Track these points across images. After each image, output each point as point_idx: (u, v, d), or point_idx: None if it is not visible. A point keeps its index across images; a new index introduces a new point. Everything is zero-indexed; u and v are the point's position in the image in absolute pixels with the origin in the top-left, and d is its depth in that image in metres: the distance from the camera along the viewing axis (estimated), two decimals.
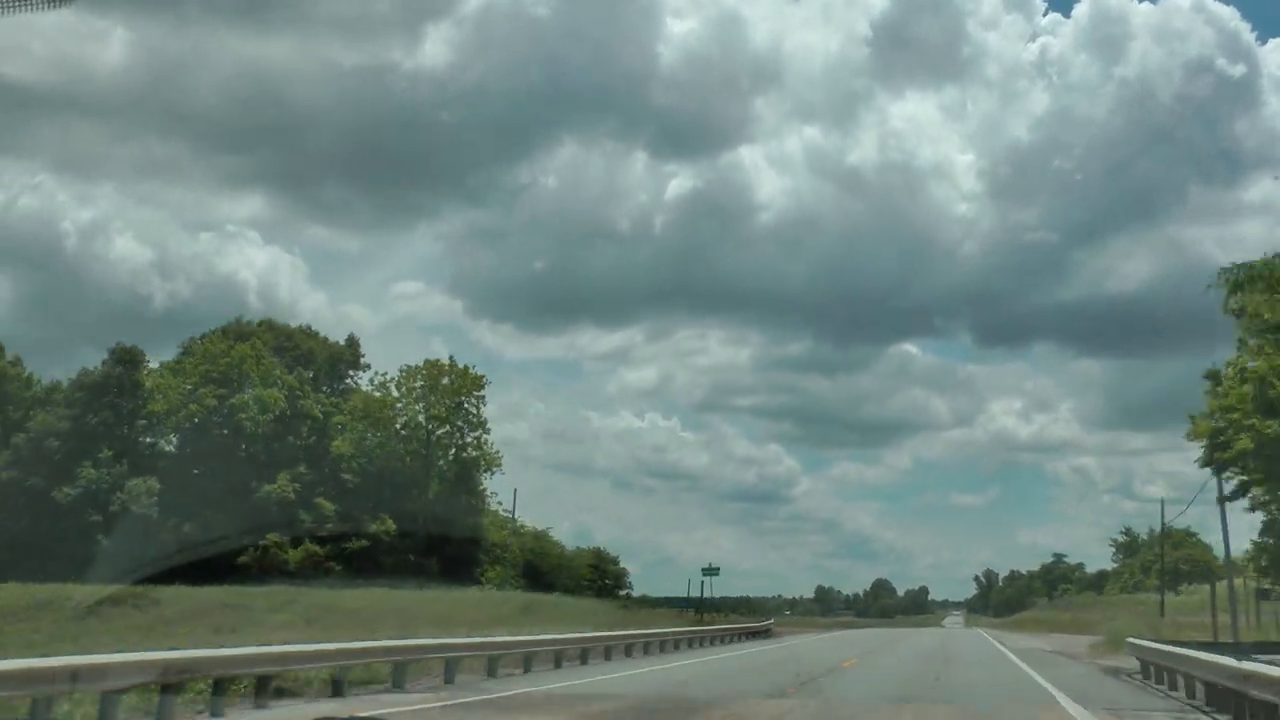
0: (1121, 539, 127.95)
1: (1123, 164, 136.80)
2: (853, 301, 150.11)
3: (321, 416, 67.03)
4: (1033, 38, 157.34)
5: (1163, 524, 54.92)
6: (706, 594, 65.72)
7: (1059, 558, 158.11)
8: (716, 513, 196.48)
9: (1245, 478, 32.36)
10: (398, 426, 68.03)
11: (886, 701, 17.26)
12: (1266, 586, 43.54)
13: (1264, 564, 39.83)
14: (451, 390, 67.51)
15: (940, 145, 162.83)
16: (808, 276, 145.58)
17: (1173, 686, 18.28)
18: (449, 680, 20.19)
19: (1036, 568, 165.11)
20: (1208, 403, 29.55)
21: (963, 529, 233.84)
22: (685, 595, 71.97)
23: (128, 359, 66.40)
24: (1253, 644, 24.58)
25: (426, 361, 68.44)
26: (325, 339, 74.22)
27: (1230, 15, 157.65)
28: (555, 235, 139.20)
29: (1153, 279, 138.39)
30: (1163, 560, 60.71)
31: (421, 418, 67.93)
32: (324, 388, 71.54)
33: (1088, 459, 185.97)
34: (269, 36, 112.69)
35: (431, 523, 64.28)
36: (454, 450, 69.26)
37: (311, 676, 17.66)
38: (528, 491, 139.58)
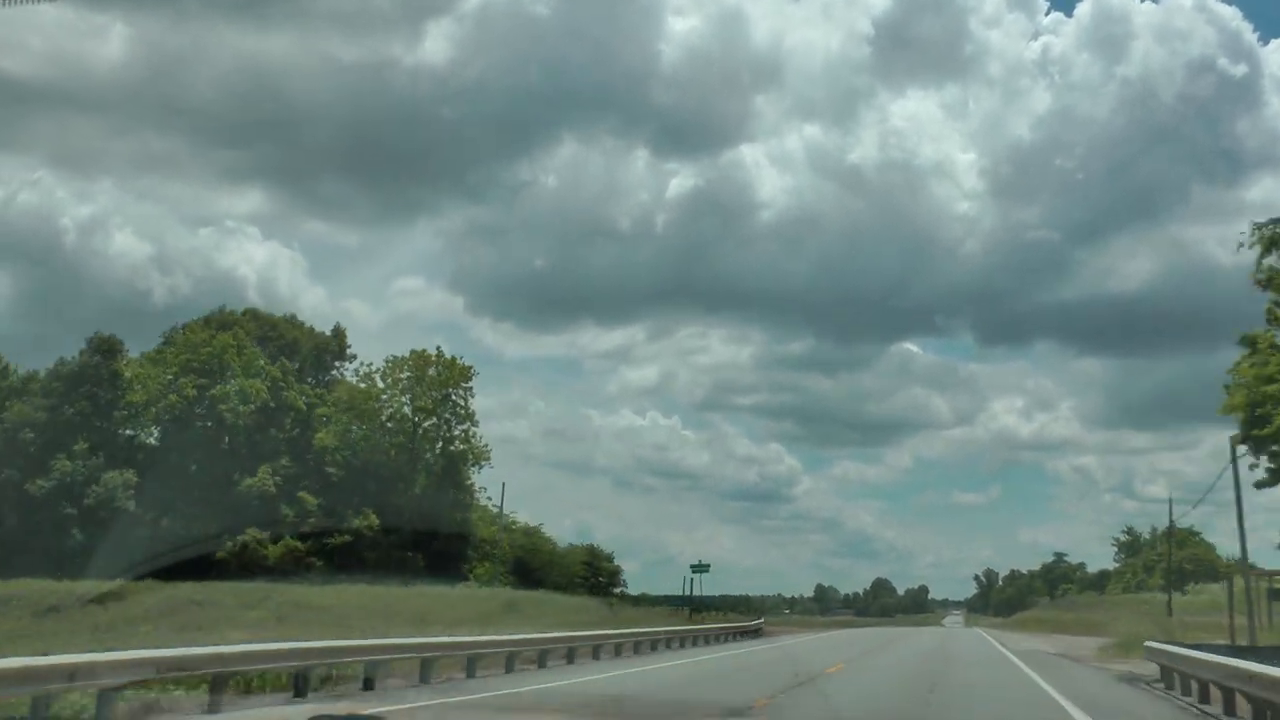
0: (1124, 538, 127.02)
1: (1124, 163, 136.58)
2: (854, 300, 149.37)
3: (305, 408, 65.29)
4: (1035, 36, 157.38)
5: (1171, 521, 53.17)
6: (699, 591, 64.10)
7: (1060, 557, 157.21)
8: (717, 511, 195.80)
9: None
10: (383, 419, 66.18)
11: None
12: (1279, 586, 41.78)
13: None
14: (438, 382, 65.70)
15: (942, 144, 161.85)
16: (809, 275, 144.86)
17: (1204, 699, 16.22)
18: (424, 680, 19.88)
19: (1037, 567, 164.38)
20: (1241, 370, 27.16)
21: (963, 528, 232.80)
22: (682, 594, 70.92)
23: (106, 348, 64.60)
24: (1272, 648, 22.87)
25: (413, 352, 66.78)
26: (311, 329, 72.52)
27: (1232, 15, 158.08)
28: (556, 233, 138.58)
29: (1154, 278, 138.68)
30: (1170, 559, 58.86)
31: (407, 409, 66.16)
32: (309, 379, 69.79)
33: (1089, 458, 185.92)
34: (268, 31, 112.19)
35: (417, 518, 62.52)
36: (441, 443, 67.45)
37: (273, 676, 17.35)
38: (528, 489, 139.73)
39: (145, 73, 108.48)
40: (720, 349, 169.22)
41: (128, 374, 64.48)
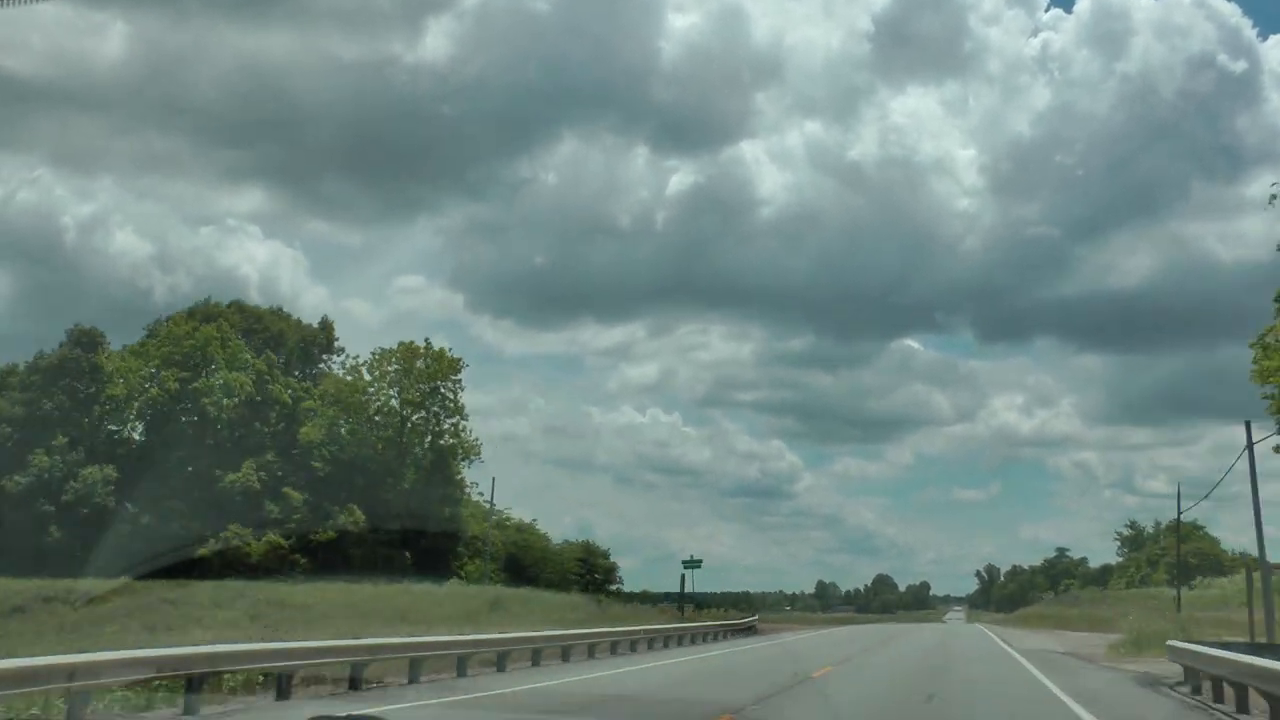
0: (1127, 532, 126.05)
1: (1124, 159, 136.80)
2: (854, 297, 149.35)
3: (291, 402, 63.66)
4: (1034, 33, 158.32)
5: (1179, 512, 51.54)
6: (699, 588, 62.71)
7: (1062, 552, 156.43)
8: (718, 508, 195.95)
9: None
10: (371, 412, 64.56)
11: None
12: None
13: None
14: (427, 374, 64.10)
15: (942, 140, 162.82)
16: (809, 272, 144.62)
17: (1242, 707, 14.47)
18: (412, 681, 19.75)
19: (1039, 562, 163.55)
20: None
21: (964, 524, 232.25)
22: (681, 591, 69.73)
23: (86, 340, 62.92)
24: None
25: (401, 344, 65.14)
26: (298, 321, 70.91)
27: (1231, 11, 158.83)
28: (556, 230, 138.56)
29: (1154, 274, 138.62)
30: (1179, 552, 57.29)
31: (395, 402, 64.56)
32: (295, 372, 68.16)
33: (1089, 454, 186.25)
34: (269, 30, 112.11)
35: (405, 514, 60.99)
36: (430, 438, 65.85)
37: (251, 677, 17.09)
38: (529, 487, 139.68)
39: (145, 71, 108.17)
40: (721, 345, 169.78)
41: (109, 367, 62.85)
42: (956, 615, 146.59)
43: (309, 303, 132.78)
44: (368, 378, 64.66)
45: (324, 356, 70.16)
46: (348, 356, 68.23)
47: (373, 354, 65.78)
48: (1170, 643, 19.98)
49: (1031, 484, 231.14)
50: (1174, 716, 16.09)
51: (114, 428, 64.84)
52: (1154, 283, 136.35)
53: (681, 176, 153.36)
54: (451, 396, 65.11)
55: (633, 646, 31.43)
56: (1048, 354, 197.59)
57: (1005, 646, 38.76)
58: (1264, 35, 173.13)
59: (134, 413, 64.06)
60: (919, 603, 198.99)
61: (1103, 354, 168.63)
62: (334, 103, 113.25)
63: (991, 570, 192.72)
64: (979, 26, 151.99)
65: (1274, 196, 24.98)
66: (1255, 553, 36.24)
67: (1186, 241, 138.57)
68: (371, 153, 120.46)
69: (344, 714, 8.53)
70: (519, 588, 54.15)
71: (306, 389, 65.21)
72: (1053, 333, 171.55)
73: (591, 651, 28.62)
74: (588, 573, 78.47)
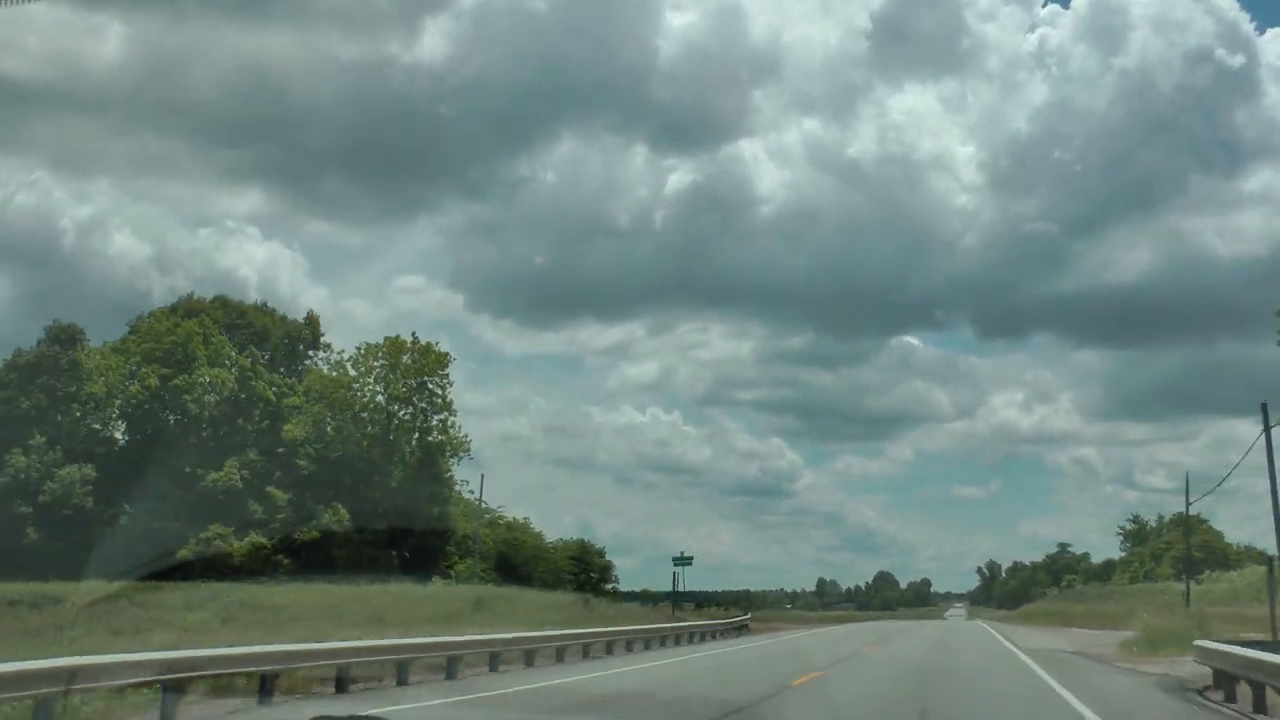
0: (1129, 526, 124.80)
1: (1122, 155, 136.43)
2: (854, 294, 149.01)
3: (275, 399, 62.07)
4: (1032, 29, 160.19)
5: (1187, 504, 49.95)
6: (701, 586, 61.34)
7: (1064, 547, 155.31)
8: (719, 507, 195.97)
9: None
10: (357, 409, 62.96)
11: None
12: None
13: None
14: (414, 369, 62.52)
15: (940, 137, 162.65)
16: (808, 270, 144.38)
17: None
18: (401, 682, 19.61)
19: (1040, 558, 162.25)
20: None
21: (965, 521, 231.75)
22: (673, 589, 68.48)
23: (65, 337, 61.30)
24: None
25: (387, 339, 63.62)
26: (283, 317, 69.26)
27: (1229, 5, 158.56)
28: (555, 229, 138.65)
29: (1153, 270, 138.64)
30: (1188, 546, 55.71)
31: (381, 398, 63.00)
32: (281, 369, 66.54)
33: (1089, 450, 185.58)
34: (267, 30, 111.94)
35: (393, 513, 59.54)
36: (418, 434, 64.30)
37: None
38: (530, 486, 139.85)
39: (143, 72, 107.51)
40: (720, 344, 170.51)
41: (88, 364, 61.24)
42: (958, 612, 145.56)
43: (308, 304, 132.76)
44: (353, 373, 63.12)
45: (310, 352, 68.63)
46: (334, 352, 66.77)
47: (358, 349, 64.38)
48: (1199, 643, 18.08)
49: (1031, 480, 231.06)
50: None
51: (96, 427, 63.28)
52: (1152, 278, 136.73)
53: (680, 175, 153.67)
54: (440, 392, 63.70)
55: (608, 649, 29.90)
56: (1047, 350, 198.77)
57: (1010, 645, 37.14)
58: (1261, 29, 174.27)
59: (115, 411, 62.49)
60: (920, 600, 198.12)
61: (1102, 350, 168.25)
62: (332, 103, 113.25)
63: (993, 566, 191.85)
64: (976, 23, 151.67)
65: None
66: (1261, 546, 35.00)
67: (1185, 236, 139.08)
68: (370, 153, 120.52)
69: (345, 715, 7.95)
70: (506, 587, 52.71)
71: (291, 385, 63.61)
72: (1052, 329, 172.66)
73: (560, 655, 27.15)
74: (583, 572, 77.13)
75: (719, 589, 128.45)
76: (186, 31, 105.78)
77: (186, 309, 65.37)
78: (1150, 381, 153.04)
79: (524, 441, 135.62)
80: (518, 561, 67.52)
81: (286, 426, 60.41)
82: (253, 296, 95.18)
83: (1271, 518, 30.60)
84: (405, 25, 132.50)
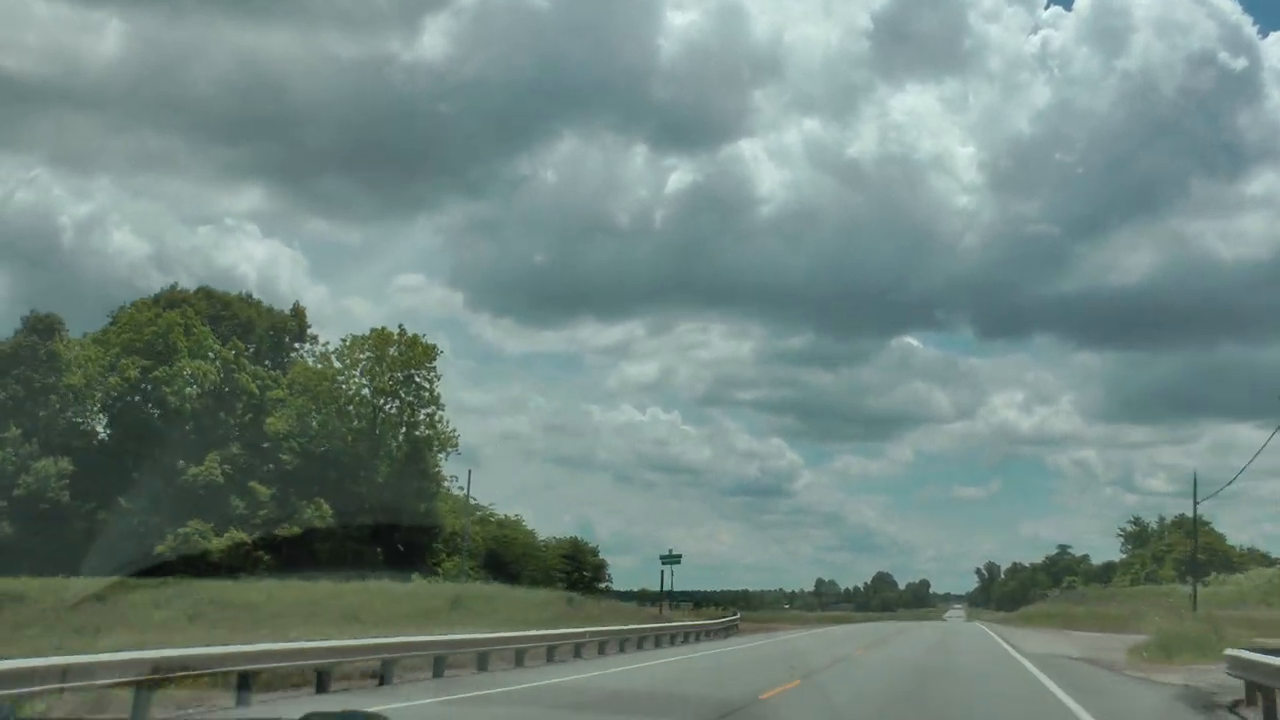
0: (1130, 528, 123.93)
1: (1124, 157, 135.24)
2: (854, 294, 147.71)
3: (258, 392, 60.56)
4: (1034, 30, 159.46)
5: (1195, 503, 48.51)
6: (696, 586, 60.02)
7: (1064, 549, 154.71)
8: (718, 507, 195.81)
9: None
10: (342, 402, 61.46)
11: None
12: None
13: None
14: (400, 362, 61.04)
15: (941, 138, 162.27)
16: (809, 270, 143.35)
17: None
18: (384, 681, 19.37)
19: (1040, 560, 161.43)
20: None
21: (964, 522, 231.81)
22: (661, 588, 67.24)
23: (43, 327, 59.76)
24: None
25: (373, 330, 62.14)
26: (269, 309, 67.72)
27: (1232, 8, 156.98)
28: (555, 228, 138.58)
29: (1154, 272, 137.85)
30: (1195, 547, 54.26)
31: (367, 391, 61.50)
32: (266, 361, 65.04)
33: (1089, 451, 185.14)
34: (266, 28, 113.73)
35: (379, 508, 58.11)
36: (404, 428, 62.84)
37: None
38: (529, 485, 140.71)
39: (142, 69, 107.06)
40: (720, 344, 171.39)
41: (67, 355, 59.73)
42: (956, 613, 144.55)
43: (308, 302, 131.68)
44: (338, 365, 61.62)
45: (296, 345, 67.11)
46: (320, 344, 65.32)
47: (343, 341, 62.91)
48: (1232, 652, 16.05)
49: (1031, 481, 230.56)
50: None
51: (76, 420, 61.79)
52: (1154, 280, 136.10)
53: (680, 175, 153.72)
54: (427, 385, 62.28)
55: (577, 651, 28.47)
56: (1047, 351, 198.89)
57: (1011, 650, 35.60)
58: (1264, 32, 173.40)
59: (96, 404, 61.00)
60: (919, 600, 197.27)
61: (1102, 352, 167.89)
62: (332, 101, 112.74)
63: (992, 568, 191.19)
64: (979, 24, 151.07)
65: None
66: (1264, 549, 33.59)
67: (1186, 239, 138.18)
68: (370, 151, 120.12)
69: (340, 711, 7.84)
70: (488, 584, 51.48)
71: (275, 378, 62.12)
72: (1052, 330, 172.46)
73: (520, 659, 25.72)
74: (575, 570, 75.94)
75: (718, 589, 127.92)
76: (185, 28, 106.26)
77: (169, 300, 63.92)
78: (1151, 384, 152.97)
79: (524, 440, 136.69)
80: (508, 559, 66.25)
81: (269, 420, 58.95)
82: (253, 293, 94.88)
83: (1276, 523, 29.19)
84: (405, 23, 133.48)
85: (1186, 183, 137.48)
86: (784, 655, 30.90)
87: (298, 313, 67.56)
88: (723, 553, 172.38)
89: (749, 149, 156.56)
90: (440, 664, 21.35)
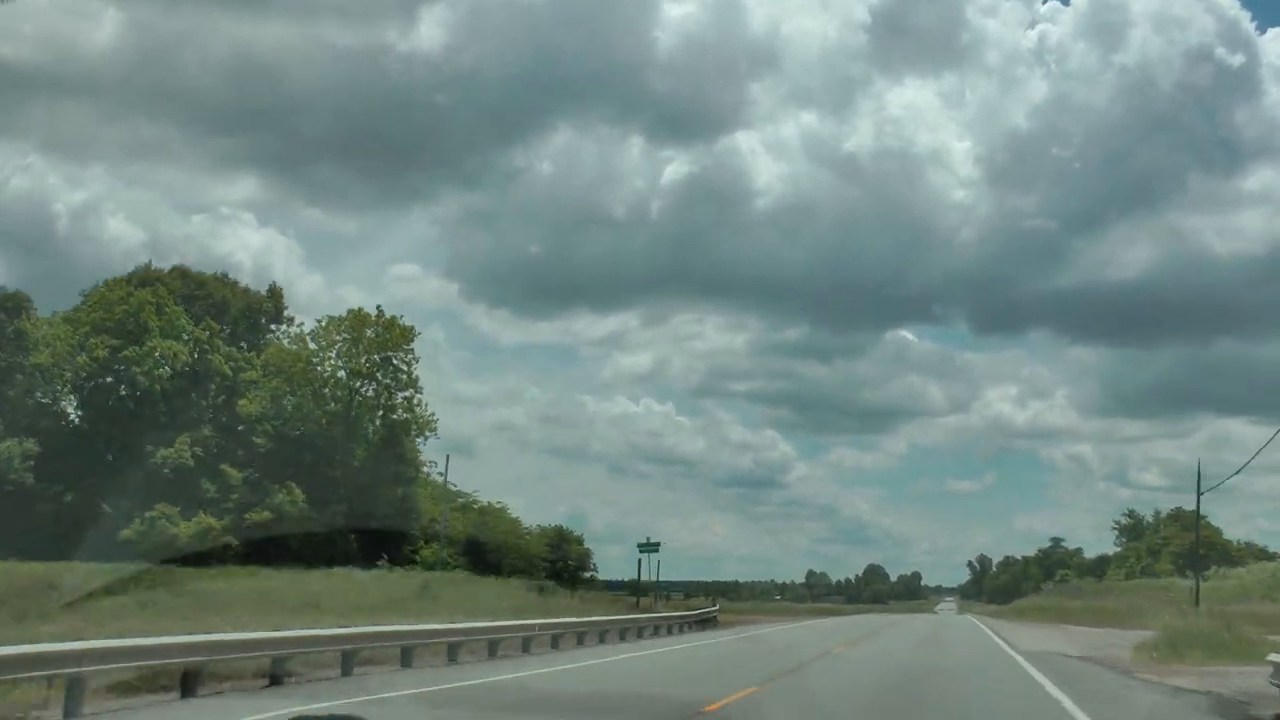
0: (1125, 521, 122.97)
1: (1122, 152, 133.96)
2: (850, 288, 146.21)
3: (231, 373, 58.77)
4: (1032, 25, 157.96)
5: (1199, 495, 46.86)
6: (680, 576, 58.35)
7: (1057, 542, 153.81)
8: (712, 498, 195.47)
9: None
10: (317, 384, 59.66)
11: None
12: None
13: None
14: (377, 344, 59.26)
15: (938, 132, 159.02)
16: (805, 263, 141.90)
17: None
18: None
19: (1032, 553, 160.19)
20: None
21: (958, 515, 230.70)
22: (638, 577, 66.14)
23: (10, 305, 57.91)
24: None
25: (350, 311, 60.34)
26: (245, 289, 65.90)
27: (1230, 4, 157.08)
28: (551, 219, 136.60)
29: (1151, 267, 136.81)
30: (1198, 540, 52.67)
31: (342, 373, 59.72)
32: (241, 343, 63.20)
33: (1083, 446, 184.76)
34: (262, 17, 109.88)
35: (354, 493, 56.40)
36: (381, 412, 61.10)
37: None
38: (524, 475, 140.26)
39: (138, 57, 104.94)
40: (715, 336, 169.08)
41: (35, 334, 57.91)
42: (948, 606, 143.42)
43: (303, 291, 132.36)
44: (313, 347, 59.83)
45: (272, 326, 65.28)
46: (296, 325, 63.52)
47: (319, 322, 61.12)
48: (1277, 657, 13.89)
49: (1025, 475, 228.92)
50: None
51: (44, 400, 60.01)
52: (1150, 276, 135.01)
53: (676, 167, 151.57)
54: (405, 368, 60.46)
55: (554, 642, 26.84)
56: (1043, 346, 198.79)
57: (1005, 646, 33.79)
58: (1262, 28, 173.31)
59: (65, 384, 59.20)
60: (910, 593, 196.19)
61: (1098, 346, 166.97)
62: (328, 91, 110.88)
63: (983, 561, 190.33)
64: (976, 18, 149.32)
65: None
66: (1262, 543, 31.99)
67: (1184, 235, 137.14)
68: (366, 141, 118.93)
69: (325, 715, 7.80)
70: (453, 572, 49.84)
71: (249, 359, 60.32)
72: (1048, 325, 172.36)
73: (489, 651, 24.25)
74: (559, 559, 74.33)
75: (710, 579, 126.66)
76: (181, 17, 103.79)
77: (143, 278, 62.01)
78: (1147, 379, 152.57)
79: (518, 430, 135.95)
80: (489, 548, 64.54)
81: (242, 402, 57.19)
82: (247, 283, 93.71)
83: (1270, 518, 27.67)
84: (402, 13, 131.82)
85: (1184, 178, 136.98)
86: (759, 653, 28.92)
87: (274, 293, 65.81)
88: (716, 544, 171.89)
89: (745, 141, 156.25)
90: (349, 660, 19.97)
